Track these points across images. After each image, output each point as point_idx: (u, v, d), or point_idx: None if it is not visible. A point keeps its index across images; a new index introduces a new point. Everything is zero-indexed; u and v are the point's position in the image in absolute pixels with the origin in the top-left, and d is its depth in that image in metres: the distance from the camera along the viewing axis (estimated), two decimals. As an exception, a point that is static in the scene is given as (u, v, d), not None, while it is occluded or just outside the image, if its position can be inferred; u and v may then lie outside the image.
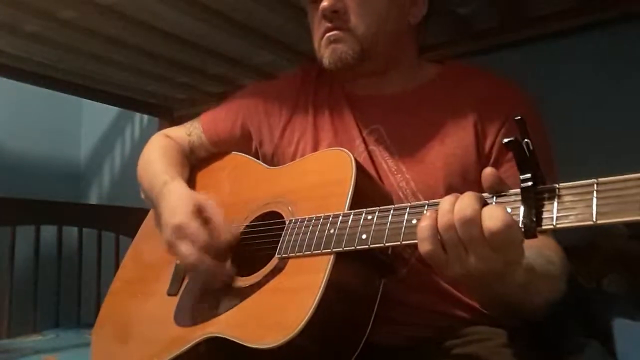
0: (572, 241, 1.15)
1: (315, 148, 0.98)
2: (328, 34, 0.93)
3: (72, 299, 1.96)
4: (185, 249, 0.85)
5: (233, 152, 1.09)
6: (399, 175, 0.91)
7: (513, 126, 0.61)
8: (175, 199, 0.92)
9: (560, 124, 1.50)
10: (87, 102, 2.36)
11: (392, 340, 0.86)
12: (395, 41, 0.96)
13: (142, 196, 1.07)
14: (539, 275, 0.72)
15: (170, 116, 2.21)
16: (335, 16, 0.92)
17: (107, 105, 2.16)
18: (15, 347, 1.53)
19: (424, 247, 0.64)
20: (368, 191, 0.82)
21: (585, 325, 0.91)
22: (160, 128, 2.20)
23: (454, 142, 0.90)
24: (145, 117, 2.37)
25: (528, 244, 0.67)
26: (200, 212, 0.88)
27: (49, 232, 1.92)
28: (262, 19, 1.46)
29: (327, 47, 0.93)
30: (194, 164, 1.12)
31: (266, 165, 1.02)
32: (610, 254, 1.07)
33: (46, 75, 1.82)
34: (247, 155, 1.07)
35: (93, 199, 2.52)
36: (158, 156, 1.06)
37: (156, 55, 1.68)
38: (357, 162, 0.82)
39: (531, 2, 1.45)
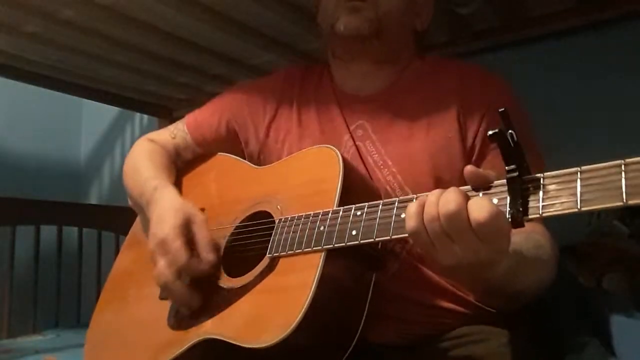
0: (573, 241, 1.15)
1: (300, 145, 0.97)
2: (353, 0, 0.93)
3: (72, 299, 1.96)
4: (161, 266, 0.85)
5: (219, 154, 1.09)
6: (386, 170, 0.91)
7: (494, 115, 0.61)
8: (165, 207, 0.91)
9: (560, 123, 1.50)
10: (87, 102, 2.36)
11: (389, 339, 0.86)
12: (402, 36, 0.99)
13: (130, 203, 1.07)
14: (527, 258, 0.73)
15: (170, 116, 2.20)
16: None
17: (107, 105, 2.16)
18: (15, 347, 1.53)
19: (410, 224, 0.64)
20: (356, 187, 0.82)
21: (585, 325, 0.91)
22: (160, 128, 2.20)
23: (439, 133, 0.91)
24: (145, 117, 2.37)
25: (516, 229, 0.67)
26: (187, 226, 0.87)
27: (49, 232, 1.92)
28: (262, 19, 1.46)
29: (349, 15, 0.93)
30: (180, 167, 1.11)
31: (253, 165, 1.02)
32: (610, 254, 1.07)
33: (46, 75, 1.82)
34: (233, 156, 1.06)
35: (93, 199, 2.52)
36: (145, 162, 1.05)
37: (156, 55, 1.68)
38: (344, 158, 0.82)
39: (531, 2, 1.46)
